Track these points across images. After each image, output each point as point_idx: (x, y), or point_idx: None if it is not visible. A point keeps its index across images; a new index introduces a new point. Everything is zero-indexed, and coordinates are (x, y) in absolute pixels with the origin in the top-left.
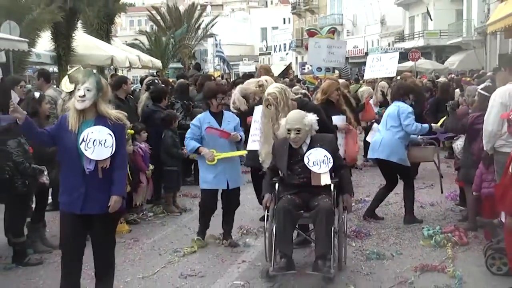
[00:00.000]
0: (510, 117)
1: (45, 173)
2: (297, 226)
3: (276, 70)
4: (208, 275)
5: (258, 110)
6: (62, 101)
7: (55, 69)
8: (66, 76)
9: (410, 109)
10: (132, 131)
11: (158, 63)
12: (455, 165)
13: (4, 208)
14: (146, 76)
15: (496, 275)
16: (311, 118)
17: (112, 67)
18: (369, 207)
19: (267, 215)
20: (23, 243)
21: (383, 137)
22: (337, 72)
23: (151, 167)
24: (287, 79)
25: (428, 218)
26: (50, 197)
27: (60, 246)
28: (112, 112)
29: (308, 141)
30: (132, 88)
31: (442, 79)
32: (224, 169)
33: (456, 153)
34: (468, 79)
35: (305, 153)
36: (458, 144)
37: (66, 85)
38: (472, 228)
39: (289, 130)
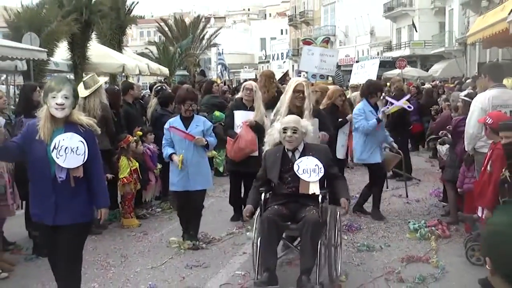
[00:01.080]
0: (487, 122)
1: None
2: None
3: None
4: (212, 266)
5: (239, 115)
6: (78, 105)
7: (71, 76)
8: (81, 83)
9: (357, 110)
10: (140, 133)
11: (165, 70)
12: (440, 164)
13: (25, 204)
14: (155, 83)
15: (475, 265)
16: (307, 123)
17: (123, 74)
18: (357, 202)
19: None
20: None
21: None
22: (330, 78)
23: (159, 166)
24: (285, 85)
25: (413, 213)
26: None
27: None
28: (83, 118)
29: (301, 148)
30: (142, 94)
31: (426, 85)
32: (189, 172)
33: (442, 155)
34: (451, 85)
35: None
36: (444, 147)
37: (81, 91)
38: (453, 222)
39: (285, 129)
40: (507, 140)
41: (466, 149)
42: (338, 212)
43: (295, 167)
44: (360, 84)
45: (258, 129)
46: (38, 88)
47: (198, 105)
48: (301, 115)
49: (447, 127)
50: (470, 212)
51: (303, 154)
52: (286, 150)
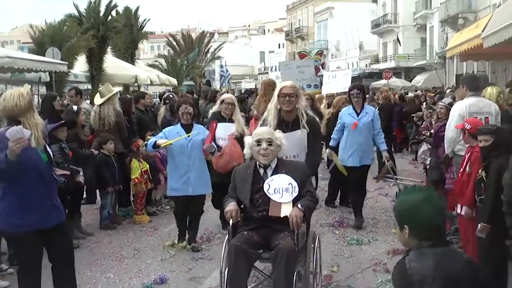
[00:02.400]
0: (466, 127)
1: (81, 173)
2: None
3: None
4: (216, 258)
5: (221, 127)
6: (94, 112)
7: (89, 86)
8: (98, 92)
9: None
10: (150, 137)
11: (174, 81)
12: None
13: None
14: (164, 93)
15: None
16: (281, 135)
17: (135, 84)
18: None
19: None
20: None
21: None
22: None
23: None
24: None
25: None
26: (84, 193)
27: (22, 270)
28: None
29: (274, 164)
30: (152, 102)
31: (410, 94)
32: (191, 178)
33: (420, 157)
34: (432, 94)
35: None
36: (421, 151)
37: (97, 99)
38: None
39: (259, 141)
40: (485, 143)
41: (446, 152)
42: (318, 236)
43: (265, 186)
44: (334, 94)
45: (242, 141)
46: (58, 98)
47: (196, 109)
48: (295, 123)
49: (424, 132)
50: (450, 209)
51: (275, 171)
52: (258, 167)
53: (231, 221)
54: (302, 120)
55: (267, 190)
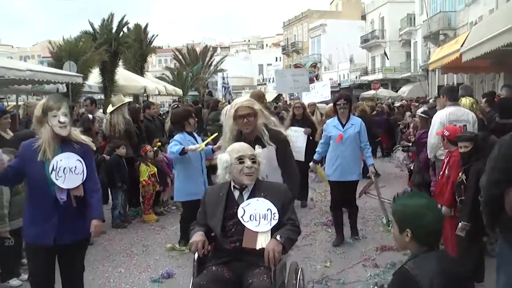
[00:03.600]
0: (445, 134)
1: None
2: None
3: (270, 96)
4: None
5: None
6: (106, 120)
7: (102, 96)
8: (110, 102)
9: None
10: (159, 144)
11: (179, 91)
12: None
13: None
14: (174, 102)
15: None
16: (260, 152)
17: (144, 94)
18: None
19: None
20: None
21: None
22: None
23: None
24: (280, 103)
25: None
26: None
27: (31, 280)
28: (79, 135)
29: (251, 186)
30: (158, 112)
31: (397, 104)
32: (204, 182)
33: (399, 162)
34: (416, 104)
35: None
36: (398, 155)
37: (109, 108)
38: None
39: (241, 158)
40: (465, 149)
41: (429, 156)
42: (301, 269)
43: (239, 212)
44: (315, 103)
45: None
46: (74, 107)
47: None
48: (257, 142)
49: (409, 138)
50: None
51: (252, 194)
52: (233, 189)
53: (196, 255)
54: (264, 136)
55: (241, 217)
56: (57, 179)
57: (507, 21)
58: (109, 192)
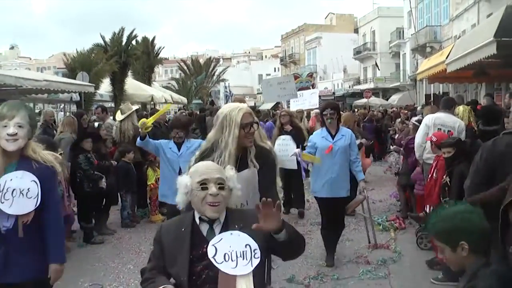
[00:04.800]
0: (432, 140)
1: (103, 180)
2: None
3: (269, 104)
4: None
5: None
6: (116, 127)
7: (112, 104)
8: (119, 110)
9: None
10: None
11: (184, 100)
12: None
13: (77, 203)
14: (179, 109)
15: (423, 249)
16: (233, 174)
17: (152, 102)
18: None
19: None
20: (91, 228)
21: None
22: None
23: None
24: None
25: (377, 210)
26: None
27: None
28: (42, 152)
29: (222, 217)
30: (165, 119)
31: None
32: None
33: (392, 165)
34: (405, 111)
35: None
36: (391, 158)
37: (118, 116)
38: (404, 216)
39: (203, 183)
40: (448, 154)
41: (416, 156)
42: None
43: (210, 251)
44: (303, 110)
45: None
46: (85, 116)
47: (190, 131)
48: (243, 159)
49: (402, 142)
50: (421, 210)
51: (225, 227)
52: (198, 221)
53: None
54: (250, 153)
55: (213, 257)
56: (2, 202)
57: (487, 36)
58: (119, 195)
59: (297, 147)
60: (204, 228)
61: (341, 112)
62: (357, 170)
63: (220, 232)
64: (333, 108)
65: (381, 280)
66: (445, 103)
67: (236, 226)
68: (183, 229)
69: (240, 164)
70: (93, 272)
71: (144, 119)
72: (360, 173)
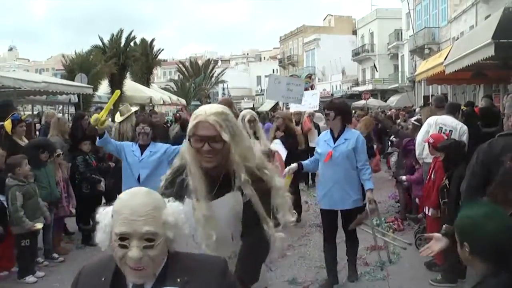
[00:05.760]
0: (430, 142)
1: (102, 183)
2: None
3: (268, 106)
4: None
5: None
6: (115, 128)
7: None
8: (118, 111)
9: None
10: None
11: (183, 101)
12: (394, 174)
13: (76, 205)
14: (177, 111)
15: None
16: (176, 210)
17: (150, 104)
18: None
19: None
20: (90, 229)
21: None
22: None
23: None
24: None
25: (382, 248)
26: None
27: None
28: None
29: (158, 270)
30: (161, 121)
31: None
32: None
33: (394, 165)
34: (404, 113)
35: None
36: (393, 159)
37: (117, 117)
38: (403, 217)
39: (123, 238)
40: (443, 156)
41: (416, 154)
42: None
43: None
44: (302, 112)
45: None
46: (85, 116)
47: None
48: (225, 181)
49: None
50: (420, 211)
51: (161, 281)
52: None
53: None
54: (235, 178)
55: None
56: None
57: (485, 37)
58: (117, 196)
59: (290, 153)
60: (131, 280)
61: (348, 111)
62: (364, 179)
63: (156, 287)
64: (330, 108)
65: (379, 282)
66: (450, 108)
67: (179, 281)
68: (103, 279)
69: (220, 188)
70: None
71: (96, 114)
72: (368, 181)
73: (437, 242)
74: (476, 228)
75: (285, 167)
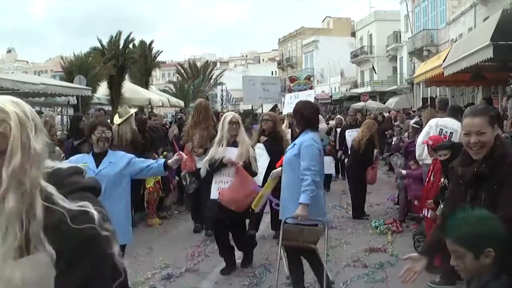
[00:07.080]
0: (428, 143)
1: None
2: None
3: (267, 108)
4: (215, 256)
5: (227, 152)
6: (114, 130)
7: (109, 108)
8: (117, 113)
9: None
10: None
11: (181, 103)
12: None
13: None
14: (176, 114)
15: None
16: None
17: (149, 106)
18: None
19: None
20: None
21: None
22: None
23: (177, 178)
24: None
25: (375, 214)
26: None
27: None
28: None
29: None
30: (160, 123)
31: (386, 114)
32: (127, 219)
33: (395, 166)
34: (402, 114)
35: None
36: (394, 159)
37: (116, 119)
38: (401, 219)
39: None
40: (444, 157)
41: (416, 155)
42: None
43: None
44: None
45: (250, 167)
46: (84, 118)
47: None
48: None
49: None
50: (419, 212)
51: None
52: None
53: None
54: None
55: None
56: None
57: (484, 39)
58: None
59: (275, 157)
60: None
61: (306, 114)
62: (300, 190)
63: None
64: (294, 111)
65: (378, 284)
66: (452, 111)
67: None
68: None
69: None
70: None
71: None
72: (303, 194)
73: (417, 262)
74: (496, 231)
75: (269, 173)
